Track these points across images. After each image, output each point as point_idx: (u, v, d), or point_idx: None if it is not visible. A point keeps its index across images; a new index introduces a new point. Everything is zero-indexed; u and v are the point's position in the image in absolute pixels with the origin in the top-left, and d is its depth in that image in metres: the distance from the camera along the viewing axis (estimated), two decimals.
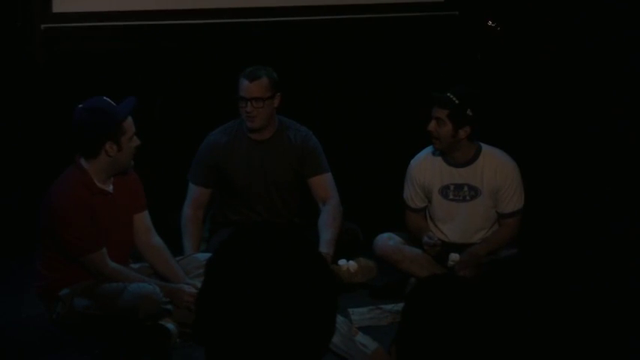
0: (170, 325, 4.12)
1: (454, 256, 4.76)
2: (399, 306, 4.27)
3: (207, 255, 4.44)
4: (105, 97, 4.20)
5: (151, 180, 4.76)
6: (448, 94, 4.70)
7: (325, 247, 4.69)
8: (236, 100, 4.84)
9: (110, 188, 4.26)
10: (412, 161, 4.94)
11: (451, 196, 4.83)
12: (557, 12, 5.83)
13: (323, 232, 4.79)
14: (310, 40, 5.99)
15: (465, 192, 4.81)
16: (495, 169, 4.79)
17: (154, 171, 5.43)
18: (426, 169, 4.87)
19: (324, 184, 4.97)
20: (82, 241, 4.12)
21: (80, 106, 4.17)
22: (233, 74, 4.91)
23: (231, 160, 4.93)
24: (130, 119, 4.20)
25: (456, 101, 4.68)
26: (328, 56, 6.01)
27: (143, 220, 4.41)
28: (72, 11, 5.65)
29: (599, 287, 4.19)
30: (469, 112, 4.68)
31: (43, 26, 5.57)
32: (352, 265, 4.90)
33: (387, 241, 4.86)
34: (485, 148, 4.84)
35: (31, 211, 4.88)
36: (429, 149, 4.91)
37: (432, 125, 4.72)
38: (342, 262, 4.89)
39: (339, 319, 3.93)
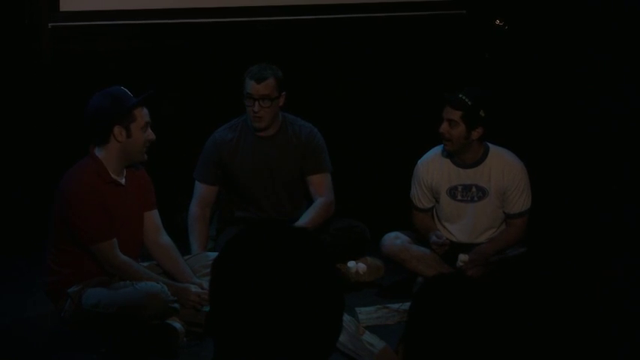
0: (177, 324, 4.12)
1: (463, 257, 4.74)
2: (407, 305, 4.25)
3: (215, 254, 4.44)
4: (122, 87, 4.24)
5: (159, 179, 4.76)
6: (460, 96, 4.67)
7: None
8: (242, 99, 4.84)
9: (123, 181, 4.27)
10: (419, 162, 4.92)
11: (459, 197, 4.81)
12: (565, 10, 5.82)
13: (302, 218, 4.80)
14: (317, 39, 5.99)
15: (472, 192, 4.79)
16: (503, 170, 4.77)
17: (162, 170, 5.43)
18: (433, 170, 4.85)
19: (321, 182, 4.94)
20: (93, 228, 4.13)
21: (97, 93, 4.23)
22: (240, 73, 4.90)
23: (236, 157, 4.92)
24: (143, 109, 4.22)
25: (469, 102, 4.65)
26: (335, 55, 6.01)
27: (153, 218, 4.42)
28: (79, 10, 5.65)
29: (608, 286, 4.18)
30: (482, 113, 4.66)
31: (50, 24, 5.56)
32: (362, 267, 4.90)
33: (394, 240, 4.85)
34: (493, 149, 4.82)
35: (37, 209, 4.88)
36: (436, 150, 4.89)
37: (443, 127, 4.69)
38: (351, 264, 4.89)
39: (346, 318, 3.92)
